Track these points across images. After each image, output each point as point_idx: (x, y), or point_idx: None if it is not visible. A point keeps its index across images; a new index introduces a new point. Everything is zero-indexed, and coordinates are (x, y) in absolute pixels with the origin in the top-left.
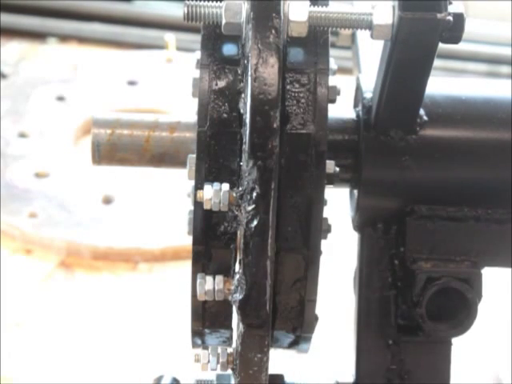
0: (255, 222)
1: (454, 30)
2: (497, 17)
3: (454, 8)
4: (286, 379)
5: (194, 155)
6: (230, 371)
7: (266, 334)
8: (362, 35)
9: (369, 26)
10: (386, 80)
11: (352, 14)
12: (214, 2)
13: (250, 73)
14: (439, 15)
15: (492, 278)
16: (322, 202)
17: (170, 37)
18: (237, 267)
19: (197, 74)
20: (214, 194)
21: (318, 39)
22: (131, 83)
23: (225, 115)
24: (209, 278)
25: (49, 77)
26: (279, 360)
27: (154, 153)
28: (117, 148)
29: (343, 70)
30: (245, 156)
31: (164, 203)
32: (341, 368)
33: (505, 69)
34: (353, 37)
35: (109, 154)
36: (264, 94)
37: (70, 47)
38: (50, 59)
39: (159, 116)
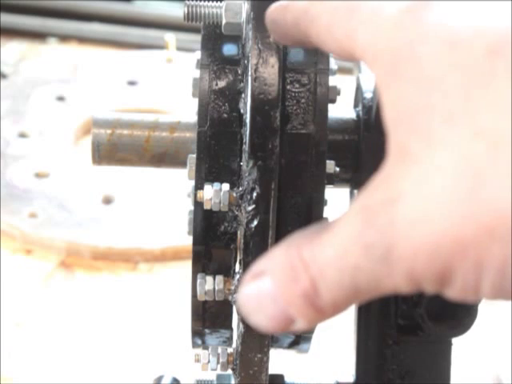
0: (255, 222)
1: None
2: None
3: None
4: (286, 379)
5: (194, 155)
6: (230, 371)
7: (266, 334)
8: None
9: None
10: None
11: None
12: (214, 2)
13: (250, 73)
14: None
15: None
16: (322, 202)
17: (170, 37)
18: (237, 267)
19: (197, 74)
20: (214, 194)
21: None
22: (131, 83)
23: (225, 115)
24: (209, 278)
25: (49, 77)
26: (279, 360)
27: (154, 153)
28: (117, 148)
29: (343, 70)
30: (245, 156)
31: (164, 203)
32: (341, 368)
33: None
34: None
35: (109, 154)
36: (264, 94)
37: (70, 47)
38: (49, 59)
39: (159, 116)
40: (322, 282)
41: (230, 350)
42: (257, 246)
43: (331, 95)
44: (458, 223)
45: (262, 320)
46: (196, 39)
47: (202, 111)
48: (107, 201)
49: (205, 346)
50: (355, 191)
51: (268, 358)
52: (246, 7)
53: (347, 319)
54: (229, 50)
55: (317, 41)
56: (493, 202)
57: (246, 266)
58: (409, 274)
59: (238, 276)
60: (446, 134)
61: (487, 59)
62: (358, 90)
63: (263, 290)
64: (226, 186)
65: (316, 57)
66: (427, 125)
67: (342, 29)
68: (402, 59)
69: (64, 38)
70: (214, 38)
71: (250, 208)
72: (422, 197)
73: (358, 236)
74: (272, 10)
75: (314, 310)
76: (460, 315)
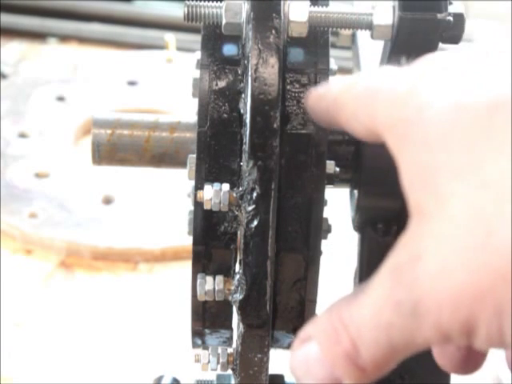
0: (255, 222)
1: (454, 29)
2: (497, 17)
3: (454, 8)
4: (286, 379)
5: (194, 155)
6: (230, 371)
7: (266, 334)
8: (362, 35)
9: (369, 26)
10: None
11: (352, 15)
12: (214, 2)
13: (250, 73)
14: (439, 15)
15: None
16: (322, 202)
17: (170, 37)
18: (237, 267)
19: (197, 74)
20: (214, 194)
21: (318, 39)
22: (131, 83)
23: (225, 115)
24: (209, 279)
25: (49, 77)
26: (279, 360)
27: (154, 153)
28: (117, 148)
29: (343, 70)
30: (245, 156)
31: (164, 203)
32: None
33: None
34: (353, 37)
35: (109, 154)
36: (264, 94)
37: (70, 47)
38: (49, 59)
39: (159, 116)
40: (360, 341)
41: (230, 350)
42: (257, 246)
43: None
44: (474, 273)
45: (313, 382)
46: (196, 39)
47: (202, 111)
48: (107, 201)
49: (205, 346)
50: (355, 191)
51: (268, 358)
52: (245, 7)
53: None
54: (229, 50)
55: (346, 126)
56: (504, 249)
57: (246, 266)
58: (437, 327)
59: (237, 276)
60: (455, 189)
61: (488, 114)
62: None
63: (310, 354)
64: (226, 186)
65: (316, 57)
66: (437, 183)
67: (364, 113)
68: (412, 124)
69: (64, 37)
70: (214, 38)
71: (250, 208)
72: (441, 252)
73: (388, 294)
74: (311, 98)
75: (356, 369)
76: None
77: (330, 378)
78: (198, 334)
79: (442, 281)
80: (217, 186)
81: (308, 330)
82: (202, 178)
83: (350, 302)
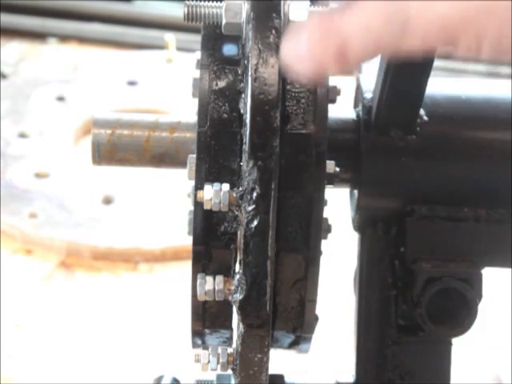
0: (255, 222)
1: None
2: None
3: None
4: (286, 379)
5: (194, 155)
6: (230, 371)
7: (266, 334)
8: None
9: None
10: (386, 80)
11: None
12: (214, 2)
13: (250, 73)
14: None
15: (492, 277)
16: (322, 202)
17: (170, 37)
18: (237, 267)
19: (197, 74)
20: (215, 194)
21: None
22: (131, 83)
23: (225, 115)
24: (209, 279)
25: (49, 77)
26: (279, 360)
27: (154, 153)
28: (117, 148)
29: None
30: (245, 156)
31: (164, 203)
32: (341, 368)
33: (505, 69)
34: None
35: (109, 154)
36: (264, 94)
37: (70, 47)
38: (49, 59)
39: (159, 116)
40: (349, 42)
41: (230, 350)
42: (257, 246)
43: (331, 95)
44: (462, 2)
45: (299, 68)
46: (196, 39)
47: (202, 111)
48: (107, 201)
49: (205, 346)
50: (355, 191)
51: (268, 358)
52: (246, 7)
53: (347, 319)
54: (229, 50)
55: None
56: None
57: (246, 266)
58: (423, 41)
59: (237, 276)
60: None
61: None
62: (358, 89)
63: (302, 42)
64: (226, 186)
65: None
66: None
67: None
68: None
69: (64, 38)
70: (214, 38)
71: (250, 208)
72: None
73: (381, 6)
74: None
75: (344, 64)
76: (460, 315)
77: (318, 63)
78: (198, 333)
79: (433, 5)
80: (217, 186)
81: (301, 24)
82: (202, 177)
83: (343, 11)
